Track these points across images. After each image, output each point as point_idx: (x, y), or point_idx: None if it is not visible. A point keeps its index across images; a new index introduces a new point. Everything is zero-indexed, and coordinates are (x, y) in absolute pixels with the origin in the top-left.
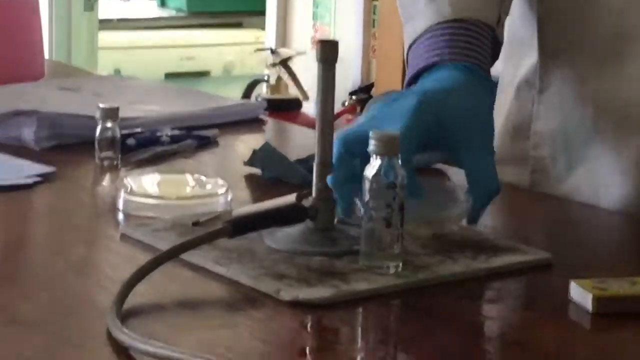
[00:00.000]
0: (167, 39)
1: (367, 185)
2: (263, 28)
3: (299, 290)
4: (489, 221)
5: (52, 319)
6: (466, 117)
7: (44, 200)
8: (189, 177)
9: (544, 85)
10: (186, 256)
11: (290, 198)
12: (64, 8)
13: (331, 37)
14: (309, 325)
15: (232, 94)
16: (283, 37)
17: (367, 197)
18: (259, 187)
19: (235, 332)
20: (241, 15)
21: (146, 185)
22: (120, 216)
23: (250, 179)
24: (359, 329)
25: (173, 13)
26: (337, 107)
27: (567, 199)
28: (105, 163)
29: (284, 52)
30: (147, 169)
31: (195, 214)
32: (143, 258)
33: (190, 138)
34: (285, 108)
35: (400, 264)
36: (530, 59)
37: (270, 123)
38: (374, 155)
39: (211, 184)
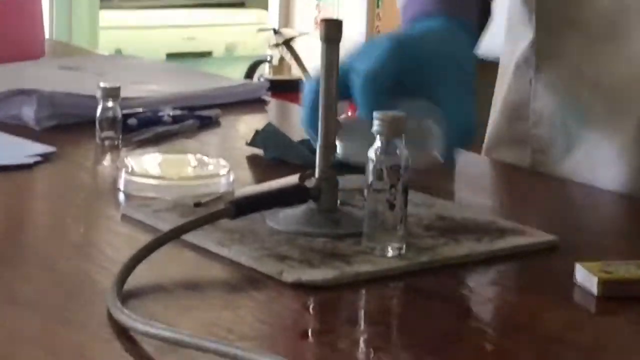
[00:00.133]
0: (169, 19)
1: (370, 166)
2: (266, 8)
3: (301, 271)
4: (492, 202)
5: (52, 300)
6: (444, 58)
7: (44, 180)
8: (190, 158)
9: (541, 64)
10: (188, 237)
11: (293, 179)
12: None
13: (335, 17)
14: (311, 307)
15: (235, 75)
16: (286, 17)
17: (370, 178)
18: (261, 167)
19: (236, 313)
20: None
21: (147, 165)
22: (121, 196)
23: (252, 159)
24: (362, 311)
25: None
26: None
27: (569, 180)
28: (106, 143)
29: (287, 32)
30: (148, 149)
31: (197, 194)
32: (144, 239)
33: (192, 118)
34: (288, 89)
35: (404, 246)
36: (528, 37)
37: (272, 103)
38: (378, 136)
39: (213, 165)
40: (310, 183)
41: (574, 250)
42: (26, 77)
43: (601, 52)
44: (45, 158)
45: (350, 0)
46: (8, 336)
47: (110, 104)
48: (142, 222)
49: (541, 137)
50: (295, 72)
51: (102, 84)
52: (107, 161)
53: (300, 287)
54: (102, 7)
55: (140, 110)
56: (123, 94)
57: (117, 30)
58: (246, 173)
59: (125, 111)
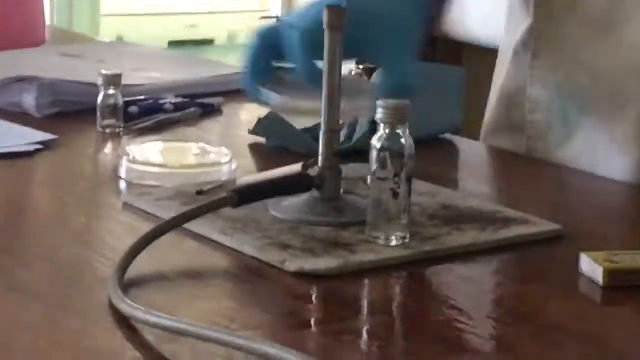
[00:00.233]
0: (171, 6)
1: (374, 154)
2: None
3: (304, 261)
4: (496, 191)
5: (53, 288)
6: (388, 17)
7: (45, 168)
8: (192, 146)
9: (539, 50)
10: (189, 226)
11: (296, 167)
12: None
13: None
14: (314, 297)
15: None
16: (289, 4)
17: (374, 166)
18: (264, 155)
19: (238, 302)
20: None
21: (149, 153)
22: (123, 185)
23: (255, 147)
24: (365, 301)
25: None
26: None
27: (572, 169)
28: (108, 131)
29: None
30: (150, 137)
31: (199, 182)
32: (145, 227)
33: (194, 106)
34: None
35: (408, 235)
36: (527, 22)
37: None
38: (382, 124)
39: (215, 153)
40: (313, 171)
41: (579, 239)
42: (27, 64)
43: (600, 40)
44: (46, 146)
45: None
46: (8, 324)
47: (111, 91)
48: (143, 210)
49: (538, 123)
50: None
51: (103, 72)
52: (108, 149)
53: (303, 277)
54: None
55: (142, 98)
56: (124, 81)
57: (118, 17)
58: (248, 161)
59: (127, 99)
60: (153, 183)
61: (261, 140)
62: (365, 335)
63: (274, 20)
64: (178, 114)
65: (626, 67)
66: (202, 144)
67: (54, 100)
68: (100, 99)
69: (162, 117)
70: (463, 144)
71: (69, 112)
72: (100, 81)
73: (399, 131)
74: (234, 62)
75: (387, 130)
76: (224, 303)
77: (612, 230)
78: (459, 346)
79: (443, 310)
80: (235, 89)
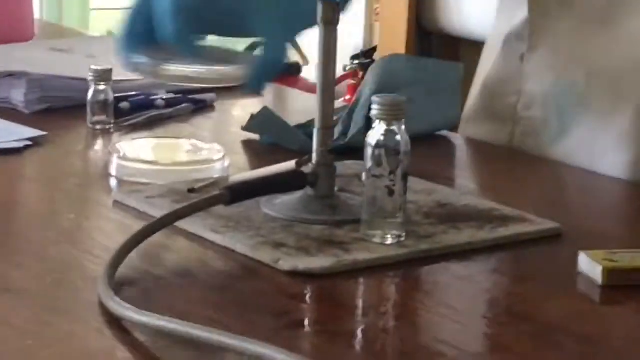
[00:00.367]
0: None
1: (369, 151)
2: None
3: (298, 259)
4: (492, 189)
5: (42, 288)
6: None
7: (34, 165)
8: (184, 142)
9: (534, 44)
10: (181, 224)
11: (290, 164)
12: None
13: None
14: (308, 296)
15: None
16: None
17: (369, 163)
18: (257, 152)
19: (231, 302)
20: None
21: (140, 150)
22: (113, 182)
23: (248, 144)
24: (360, 300)
25: None
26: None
27: (570, 165)
28: (98, 127)
29: None
30: (141, 133)
31: (191, 180)
32: (136, 225)
33: (186, 102)
34: (284, 72)
35: (403, 234)
36: (522, 12)
37: (269, 87)
38: (377, 121)
39: (207, 150)
40: (307, 169)
41: (577, 238)
42: (15, 59)
43: (597, 35)
44: (35, 142)
45: None
46: None
47: (102, 87)
48: (134, 208)
49: (533, 119)
50: (293, 56)
51: (93, 67)
52: (98, 146)
53: (297, 276)
54: None
55: (133, 93)
56: (115, 76)
57: (108, 11)
58: (241, 158)
59: (118, 94)
60: (144, 180)
61: (254, 136)
62: (359, 335)
63: None
64: (170, 110)
65: (623, 62)
66: (194, 141)
67: (43, 96)
68: (90, 94)
69: (153, 113)
70: (459, 140)
71: (59, 108)
72: (90, 76)
73: (395, 128)
74: None
75: (382, 127)
76: (216, 302)
77: (610, 229)
78: (455, 346)
79: (439, 309)
80: (228, 85)
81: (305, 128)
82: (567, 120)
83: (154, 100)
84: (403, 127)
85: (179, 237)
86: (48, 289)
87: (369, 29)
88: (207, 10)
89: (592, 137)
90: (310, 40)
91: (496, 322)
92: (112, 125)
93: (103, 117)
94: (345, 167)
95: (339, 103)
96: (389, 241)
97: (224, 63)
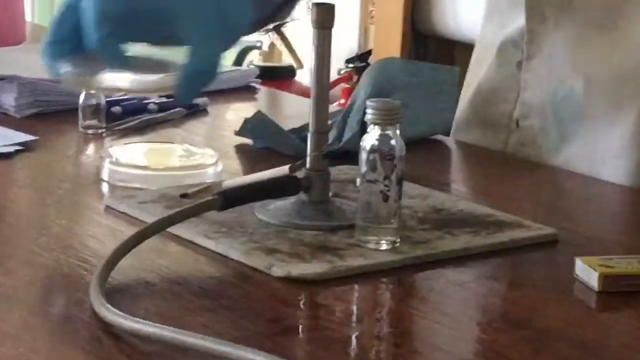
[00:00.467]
0: None
1: (363, 156)
2: None
3: (291, 265)
4: (489, 194)
5: (33, 294)
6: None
7: (25, 170)
8: (177, 147)
9: (532, 53)
10: (174, 229)
11: (283, 169)
12: None
13: (327, 1)
14: (301, 303)
15: (224, 61)
16: None
17: (363, 168)
18: (251, 157)
19: (225, 309)
20: None
21: (132, 155)
22: (105, 187)
23: (241, 149)
24: (354, 307)
25: None
26: (333, 76)
27: (566, 171)
28: (90, 132)
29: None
30: (133, 138)
31: (183, 185)
32: (128, 231)
33: (179, 106)
34: (278, 76)
35: (398, 239)
36: (517, 19)
37: (262, 91)
38: (372, 125)
39: (200, 154)
40: (301, 174)
41: (574, 243)
42: (6, 63)
43: (595, 42)
44: (26, 147)
45: None
46: None
47: (93, 91)
48: (126, 213)
49: (531, 128)
50: (286, 59)
51: None
52: (90, 150)
53: (291, 282)
54: None
55: (125, 97)
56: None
57: None
58: (235, 163)
59: (109, 99)
60: (136, 185)
61: (248, 141)
62: (354, 341)
63: None
64: (162, 114)
65: (622, 69)
66: (186, 145)
67: (34, 100)
68: (81, 98)
69: (145, 117)
70: (455, 144)
71: (50, 112)
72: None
73: (389, 132)
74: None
75: (377, 132)
76: (208, 309)
77: (607, 234)
78: (450, 353)
79: (434, 316)
80: (221, 89)
81: (300, 132)
82: (566, 129)
83: (147, 104)
84: (398, 131)
85: (171, 242)
86: (38, 295)
87: (364, 32)
88: (133, 17)
89: (593, 145)
90: (304, 43)
91: (492, 328)
92: (104, 130)
93: (95, 122)
94: (339, 172)
95: (333, 107)
96: (384, 247)
97: (153, 72)
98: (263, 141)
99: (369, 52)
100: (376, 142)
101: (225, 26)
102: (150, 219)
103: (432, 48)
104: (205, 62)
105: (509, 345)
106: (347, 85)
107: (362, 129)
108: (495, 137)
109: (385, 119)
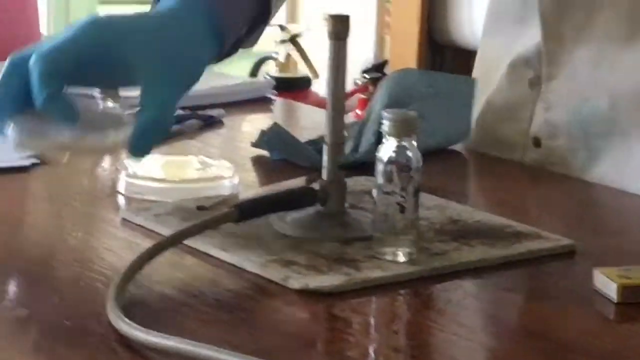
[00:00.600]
0: None
1: (380, 167)
2: None
3: (308, 278)
4: (507, 205)
5: (49, 307)
6: (150, 45)
7: (42, 183)
8: (193, 159)
9: (552, 73)
10: (190, 242)
11: (300, 181)
12: None
13: (342, 12)
14: (318, 315)
15: (239, 72)
16: (292, 12)
17: (380, 180)
18: (267, 169)
19: (241, 321)
20: None
21: (148, 167)
22: (121, 200)
23: (257, 160)
24: (371, 319)
25: None
26: (349, 86)
27: (582, 181)
28: None
29: (293, 28)
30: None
31: (199, 197)
32: (145, 244)
33: (195, 118)
34: (294, 87)
35: (415, 251)
36: (525, 36)
37: (278, 102)
38: (388, 137)
39: (217, 166)
40: (317, 185)
41: (593, 254)
42: None
43: (619, 57)
44: (42, 160)
45: None
46: (6, 346)
47: (110, 103)
48: (142, 226)
49: (558, 148)
50: (302, 70)
51: None
52: (106, 163)
53: (307, 294)
54: (100, 2)
55: None
56: (123, 93)
57: None
58: (251, 175)
59: (126, 111)
60: (152, 198)
61: (264, 152)
62: (371, 354)
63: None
64: (178, 126)
65: None
66: (203, 157)
67: None
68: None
69: None
70: (471, 155)
71: None
72: (97, 93)
73: (406, 144)
74: (236, 72)
75: (393, 143)
76: (225, 322)
77: (626, 245)
78: None
79: (452, 328)
80: (237, 100)
81: (316, 144)
82: (595, 148)
83: None
84: (414, 142)
85: (187, 255)
86: (55, 308)
87: (380, 42)
88: (81, 71)
89: (624, 161)
90: (320, 53)
91: (510, 340)
92: None
93: None
94: (355, 183)
95: (349, 118)
96: (401, 258)
97: (105, 128)
98: (279, 153)
99: (385, 63)
100: (393, 154)
101: (180, 71)
102: (166, 231)
103: (449, 58)
104: (159, 111)
105: (527, 357)
106: (363, 96)
107: (379, 139)
108: (509, 155)
109: (402, 130)
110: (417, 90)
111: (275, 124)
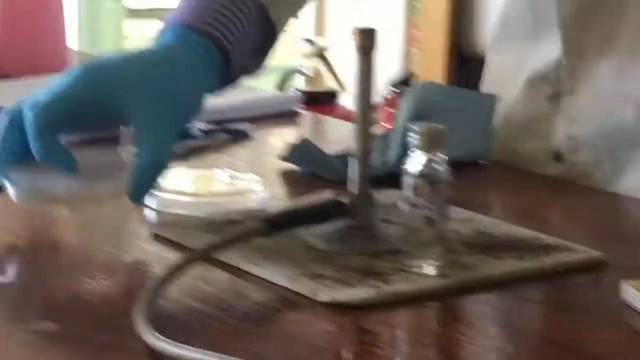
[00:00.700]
0: None
1: (408, 180)
2: (298, 17)
3: (337, 291)
4: (534, 217)
5: (80, 322)
6: (143, 85)
7: None
8: (222, 173)
9: (573, 88)
10: (219, 255)
11: (328, 194)
12: None
13: (370, 26)
14: (347, 328)
15: (267, 86)
16: (320, 26)
17: (408, 193)
18: (295, 183)
19: (270, 335)
20: None
21: (178, 181)
22: (151, 214)
23: (286, 174)
24: (400, 332)
25: None
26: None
27: (609, 192)
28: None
29: (321, 42)
30: (178, 164)
31: (228, 211)
32: (174, 258)
33: (224, 132)
34: (321, 100)
35: (444, 264)
36: (540, 52)
37: (306, 116)
38: (416, 150)
39: (245, 180)
40: (345, 198)
41: (621, 267)
42: None
43: None
44: None
45: (386, 9)
46: None
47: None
48: (171, 240)
49: (582, 163)
50: (330, 83)
51: None
52: None
53: (336, 307)
54: (127, 17)
55: None
56: None
57: (142, 40)
58: (279, 189)
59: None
60: (182, 212)
61: (292, 166)
62: None
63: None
64: (207, 141)
65: None
66: (231, 171)
67: None
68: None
69: (190, 143)
70: (495, 167)
71: (94, 139)
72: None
73: (434, 157)
74: (264, 86)
75: (421, 156)
76: (255, 335)
77: None
78: None
79: (481, 340)
80: (265, 114)
81: (343, 157)
82: (620, 160)
83: (191, 130)
84: (443, 156)
85: (217, 269)
86: (85, 323)
87: (408, 55)
88: (75, 119)
89: None
90: (347, 67)
91: (539, 353)
92: None
93: None
94: (384, 196)
95: (376, 131)
96: (430, 271)
97: (103, 176)
98: (307, 166)
99: (413, 76)
100: (421, 167)
101: (176, 109)
102: (196, 245)
103: (476, 71)
104: (154, 156)
105: None
106: (390, 109)
107: (404, 150)
108: (530, 170)
109: (431, 144)
110: (438, 103)
111: (303, 138)
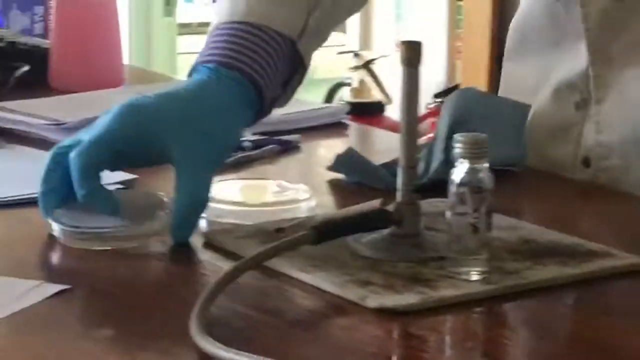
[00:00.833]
0: None
1: (453, 189)
2: (345, 30)
3: (384, 297)
4: (576, 224)
5: (135, 328)
6: (181, 124)
7: None
8: (271, 183)
9: (601, 96)
10: (269, 263)
11: (375, 203)
12: (143, 13)
13: (415, 38)
14: (395, 333)
15: (315, 98)
16: (365, 39)
17: (453, 201)
18: (343, 192)
19: (320, 340)
20: None
21: (228, 191)
22: (203, 223)
23: (333, 184)
24: (447, 337)
25: None
26: (421, 110)
27: None
28: None
29: (367, 54)
30: (228, 175)
31: (278, 220)
32: (226, 266)
33: (273, 143)
34: (368, 112)
35: (489, 270)
36: (570, 61)
37: (353, 127)
38: (460, 159)
39: (294, 190)
40: (392, 207)
41: None
42: (106, 104)
43: None
44: (127, 186)
45: (431, 22)
46: None
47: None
48: (223, 248)
49: (613, 168)
50: (376, 95)
51: None
52: None
53: (384, 313)
54: (180, 33)
55: None
56: None
57: (195, 55)
58: (327, 198)
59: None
60: (232, 221)
61: (340, 176)
62: None
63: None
64: (256, 152)
65: None
66: (280, 181)
67: None
68: None
69: (240, 154)
70: (530, 175)
71: None
72: None
73: (477, 166)
74: (312, 98)
75: (465, 165)
76: (305, 341)
77: None
78: None
79: (525, 345)
80: (313, 125)
81: (390, 167)
82: None
83: (241, 142)
84: (486, 164)
85: (267, 276)
86: (141, 329)
87: (451, 66)
88: (119, 159)
89: None
90: (393, 78)
91: (582, 358)
92: None
93: None
94: (429, 205)
95: (422, 141)
96: (475, 278)
97: (145, 215)
98: (354, 176)
99: (457, 87)
100: (465, 176)
101: (214, 147)
102: (247, 253)
103: None
104: (194, 196)
105: None
106: (435, 120)
107: (447, 157)
108: (566, 173)
109: (473, 153)
110: (474, 110)
111: (350, 148)
